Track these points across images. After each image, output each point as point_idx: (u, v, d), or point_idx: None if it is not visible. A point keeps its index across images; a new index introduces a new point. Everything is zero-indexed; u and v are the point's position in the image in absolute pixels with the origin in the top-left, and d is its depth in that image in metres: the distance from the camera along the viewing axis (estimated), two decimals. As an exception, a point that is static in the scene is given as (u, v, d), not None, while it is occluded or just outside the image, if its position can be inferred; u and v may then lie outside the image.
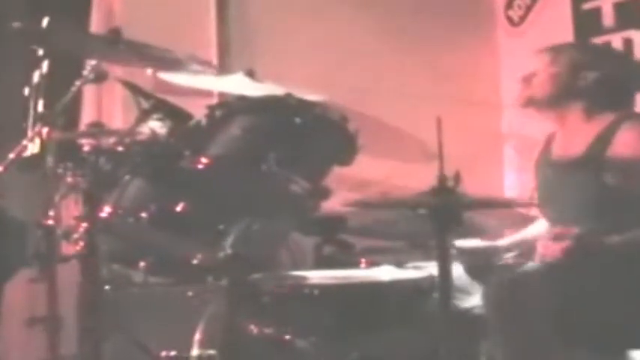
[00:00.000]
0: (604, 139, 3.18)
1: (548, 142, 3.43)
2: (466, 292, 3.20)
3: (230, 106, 3.01)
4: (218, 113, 2.96)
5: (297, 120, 2.91)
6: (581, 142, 3.23)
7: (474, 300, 3.13)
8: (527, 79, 3.36)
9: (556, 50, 3.38)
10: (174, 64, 3.23)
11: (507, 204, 3.46)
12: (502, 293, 2.95)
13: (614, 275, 2.97)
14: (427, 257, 3.04)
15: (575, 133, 3.28)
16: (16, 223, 3.42)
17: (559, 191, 3.27)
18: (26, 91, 3.18)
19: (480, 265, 3.31)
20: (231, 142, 2.91)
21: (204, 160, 2.84)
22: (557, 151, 3.36)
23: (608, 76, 3.28)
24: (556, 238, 3.09)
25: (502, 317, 2.92)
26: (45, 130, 2.92)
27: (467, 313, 3.12)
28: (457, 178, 2.65)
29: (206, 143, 2.89)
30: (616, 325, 2.94)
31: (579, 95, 3.27)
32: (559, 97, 3.30)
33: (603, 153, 3.15)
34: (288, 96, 2.97)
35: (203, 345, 2.96)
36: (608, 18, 4.44)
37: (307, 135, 2.93)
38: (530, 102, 3.37)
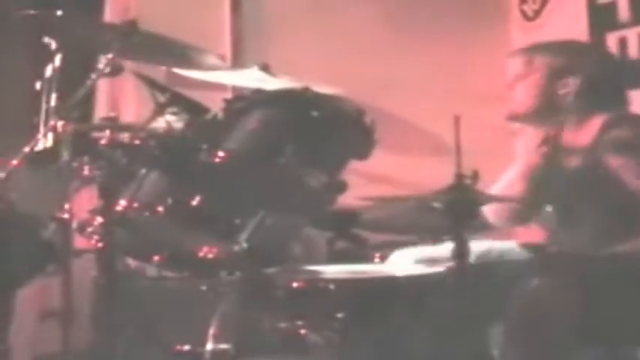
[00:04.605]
0: (593, 148, 3.05)
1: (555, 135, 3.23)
2: None
3: (247, 100, 3.00)
4: (235, 106, 2.94)
5: (314, 113, 2.91)
6: (578, 146, 3.11)
7: None
8: (511, 86, 3.22)
9: (532, 52, 3.22)
10: (189, 61, 3.21)
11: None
12: (525, 308, 2.88)
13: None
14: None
15: (572, 137, 3.14)
16: (30, 217, 3.41)
17: (563, 192, 3.16)
18: (38, 84, 3.17)
19: None
20: (249, 135, 2.90)
21: (221, 153, 2.83)
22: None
23: (592, 79, 3.11)
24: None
25: (523, 329, 2.87)
26: (60, 123, 2.91)
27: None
28: (475, 175, 2.66)
29: (223, 137, 2.88)
30: (628, 323, 2.92)
31: (564, 106, 3.11)
32: (544, 111, 3.16)
33: (595, 162, 3.02)
34: (306, 89, 2.96)
35: (217, 339, 2.95)
36: (623, 12, 4.43)
37: (324, 128, 2.92)
38: (514, 117, 3.26)
